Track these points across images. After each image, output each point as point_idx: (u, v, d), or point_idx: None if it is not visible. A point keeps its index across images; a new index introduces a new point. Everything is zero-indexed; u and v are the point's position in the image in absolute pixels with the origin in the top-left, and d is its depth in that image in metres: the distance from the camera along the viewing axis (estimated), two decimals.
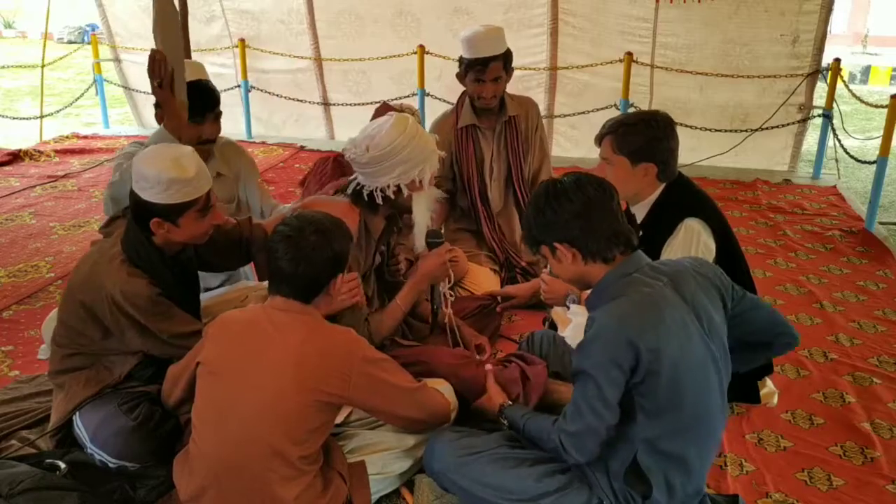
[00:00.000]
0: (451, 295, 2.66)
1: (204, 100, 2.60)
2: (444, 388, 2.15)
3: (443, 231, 3.02)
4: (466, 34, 3.28)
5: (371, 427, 2.16)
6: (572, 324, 2.45)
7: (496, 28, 3.30)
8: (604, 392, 1.67)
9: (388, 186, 2.33)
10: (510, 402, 2.10)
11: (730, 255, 2.40)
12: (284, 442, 1.76)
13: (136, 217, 2.06)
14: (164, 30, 2.45)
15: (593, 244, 1.76)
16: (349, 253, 1.93)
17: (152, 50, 2.37)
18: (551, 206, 1.78)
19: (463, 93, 3.44)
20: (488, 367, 2.27)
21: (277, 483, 1.76)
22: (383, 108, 3.27)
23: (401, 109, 3.20)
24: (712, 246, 2.34)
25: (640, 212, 2.40)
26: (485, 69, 3.20)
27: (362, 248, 2.43)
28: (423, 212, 2.44)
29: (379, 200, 2.36)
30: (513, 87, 3.54)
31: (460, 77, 3.35)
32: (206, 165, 2.68)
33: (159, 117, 2.46)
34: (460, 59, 3.31)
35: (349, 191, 2.43)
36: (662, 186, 2.37)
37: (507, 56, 3.26)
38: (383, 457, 2.09)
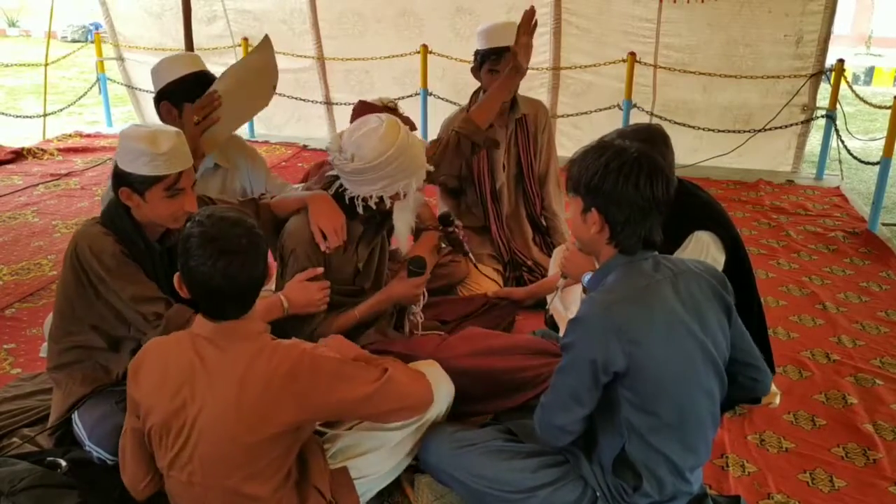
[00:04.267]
0: (420, 317, 2.60)
1: (207, 89, 2.61)
2: (431, 370, 2.07)
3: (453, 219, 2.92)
4: (483, 27, 3.28)
5: (348, 427, 2.04)
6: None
7: (512, 22, 3.29)
8: (573, 376, 1.68)
9: (371, 197, 2.25)
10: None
11: (738, 266, 2.40)
12: (246, 483, 1.68)
13: (112, 184, 2.07)
14: (250, 88, 2.57)
15: (627, 236, 1.71)
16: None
17: (214, 92, 2.47)
18: (617, 179, 1.66)
19: (475, 91, 3.43)
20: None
21: None
22: (360, 107, 3.19)
23: (383, 106, 3.15)
24: (721, 260, 2.35)
25: None
26: (499, 59, 3.17)
27: (340, 253, 2.37)
28: (405, 218, 2.39)
29: (360, 209, 2.29)
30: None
31: (475, 71, 3.33)
32: (208, 156, 2.71)
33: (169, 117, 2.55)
34: (476, 53, 3.29)
35: (331, 192, 2.35)
36: None
37: None
38: (367, 458, 1.99)
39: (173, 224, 2.11)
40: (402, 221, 2.37)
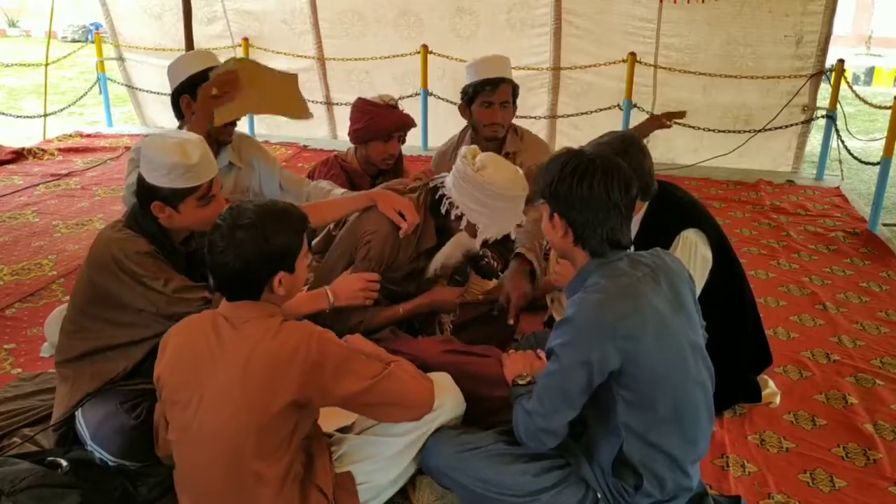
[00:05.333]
0: (449, 327, 2.71)
1: None
2: (443, 381, 2.08)
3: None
4: (473, 60, 3.17)
5: (358, 432, 2.06)
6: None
7: (504, 57, 3.21)
8: (565, 379, 1.67)
9: (457, 207, 2.34)
10: (526, 378, 1.95)
11: (725, 262, 2.41)
12: (252, 461, 1.70)
13: (139, 198, 2.09)
14: (273, 89, 2.67)
15: (590, 238, 1.74)
16: (294, 247, 1.78)
17: (239, 71, 2.53)
18: (572, 182, 1.70)
19: (463, 129, 3.32)
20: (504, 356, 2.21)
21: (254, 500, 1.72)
22: (360, 104, 3.19)
23: (384, 103, 3.14)
24: (709, 256, 2.36)
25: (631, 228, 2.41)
26: (494, 90, 3.04)
27: (405, 248, 2.45)
28: (453, 249, 2.46)
29: (443, 208, 2.38)
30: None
31: (464, 108, 3.18)
32: (221, 154, 2.76)
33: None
34: (464, 91, 3.15)
35: (431, 184, 2.46)
36: (646, 204, 2.38)
37: (515, 85, 3.15)
38: (370, 464, 1.99)
39: (204, 228, 2.14)
40: (448, 251, 2.45)
